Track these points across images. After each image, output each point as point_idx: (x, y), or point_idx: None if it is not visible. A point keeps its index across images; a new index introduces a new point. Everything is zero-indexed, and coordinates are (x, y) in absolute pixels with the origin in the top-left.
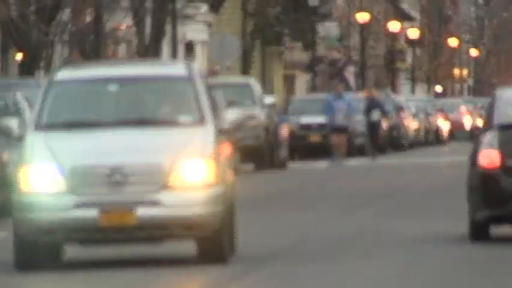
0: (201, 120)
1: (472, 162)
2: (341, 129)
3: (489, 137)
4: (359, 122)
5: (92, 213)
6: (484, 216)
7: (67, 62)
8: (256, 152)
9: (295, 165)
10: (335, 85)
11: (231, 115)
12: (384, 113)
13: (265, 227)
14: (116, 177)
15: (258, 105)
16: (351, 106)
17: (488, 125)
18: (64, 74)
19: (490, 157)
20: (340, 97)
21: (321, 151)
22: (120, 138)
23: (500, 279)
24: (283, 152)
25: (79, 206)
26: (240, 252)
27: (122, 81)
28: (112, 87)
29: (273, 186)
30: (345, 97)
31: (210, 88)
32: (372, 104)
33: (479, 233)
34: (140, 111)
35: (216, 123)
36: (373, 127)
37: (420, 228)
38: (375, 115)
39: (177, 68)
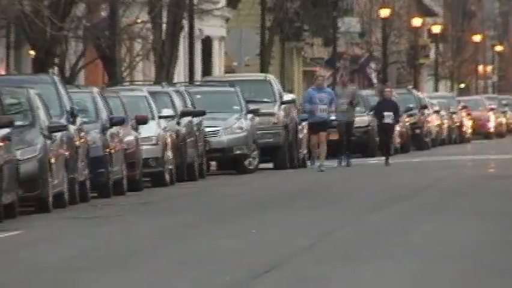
0: None
1: None
2: (322, 125)
3: None
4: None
5: None
6: None
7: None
8: (276, 151)
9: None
10: (316, 77)
11: None
12: (398, 115)
13: (284, 226)
14: None
15: (277, 102)
16: (334, 99)
17: None
18: None
19: None
20: (321, 90)
21: (339, 149)
22: None
23: None
24: (303, 150)
25: None
26: (260, 251)
27: None
28: None
29: (293, 185)
30: (326, 89)
31: None
32: (384, 105)
33: None
34: None
35: None
36: (385, 130)
37: (443, 228)
38: (388, 117)
39: None
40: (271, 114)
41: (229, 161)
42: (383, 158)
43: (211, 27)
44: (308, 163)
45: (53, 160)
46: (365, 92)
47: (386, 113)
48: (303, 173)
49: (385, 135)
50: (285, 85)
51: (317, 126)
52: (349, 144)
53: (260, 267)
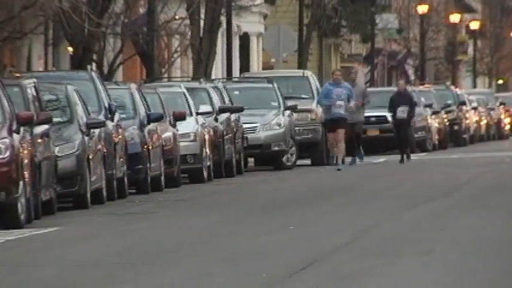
0: None
1: None
2: (339, 121)
3: None
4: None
5: None
6: None
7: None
8: (313, 147)
9: None
10: (333, 72)
11: None
12: (414, 109)
13: (322, 222)
14: None
15: (315, 98)
16: (352, 95)
17: None
18: None
19: None
20: (339, 85)
21: (379, 145)
22: None
23: None
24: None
25: None
26: (298, 248)
27: None
28: None
29: (330, 181)
30: (344, 85)
31: None
32: (399, 100)
33: None
34: None
35: None
36: (399, 125)
37: (481, 224)
38: (402, 112)
39: None
40: (309, 111)
41: (267, 157)
42: (399, 155)
43: (249, 23)
44: (339, 166)
45: (91, 156)
46: None
47: (400, 108)
48: (345, 168)
49: (399, 130)
50: (323, 81)
51: (334, 123)
52: (358, 143)
53: (297, 263)
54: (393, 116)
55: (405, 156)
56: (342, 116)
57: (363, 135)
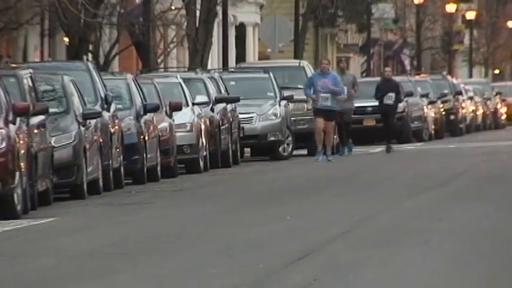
0: None
1: None
2: (328, 113)
3: None
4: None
5: None
6: None
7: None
8: (310, 137)
9: None
10: (321, 60)
11: None
12: (400, 96)
13: (319, 212)
14: None
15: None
16: (338, 84)
17: None
18: None
19: None
20: (326, 75)
21: (375, 135)
22: None
23: None
24: (337, 137)
25: None
26: (294, 238)
27: None
28: None
29: (327, 171)
30: (332, 74)
31: None
32: (386, 87)
33: None
34: None
35: None
36: (386, 112)
37: (479, 215)
38: (389, 98)
39: None
40: (306, 101)
41: (264, 147)
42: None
43: (245, 13)
44: (319, 158)
45: (87, 147)
46: (400, 78)
47: (387, 94)
48: (337, 159)
49: (386, 118)
50: None
51: (323, 113)
52: (348, 134)
53: (294, 254)
54: (380, 103)
55: (390, 145)
56: (330, 108)
57: (359, 125)
